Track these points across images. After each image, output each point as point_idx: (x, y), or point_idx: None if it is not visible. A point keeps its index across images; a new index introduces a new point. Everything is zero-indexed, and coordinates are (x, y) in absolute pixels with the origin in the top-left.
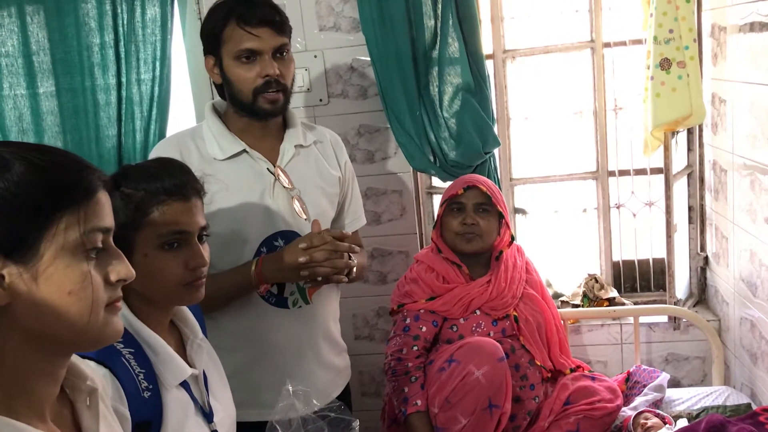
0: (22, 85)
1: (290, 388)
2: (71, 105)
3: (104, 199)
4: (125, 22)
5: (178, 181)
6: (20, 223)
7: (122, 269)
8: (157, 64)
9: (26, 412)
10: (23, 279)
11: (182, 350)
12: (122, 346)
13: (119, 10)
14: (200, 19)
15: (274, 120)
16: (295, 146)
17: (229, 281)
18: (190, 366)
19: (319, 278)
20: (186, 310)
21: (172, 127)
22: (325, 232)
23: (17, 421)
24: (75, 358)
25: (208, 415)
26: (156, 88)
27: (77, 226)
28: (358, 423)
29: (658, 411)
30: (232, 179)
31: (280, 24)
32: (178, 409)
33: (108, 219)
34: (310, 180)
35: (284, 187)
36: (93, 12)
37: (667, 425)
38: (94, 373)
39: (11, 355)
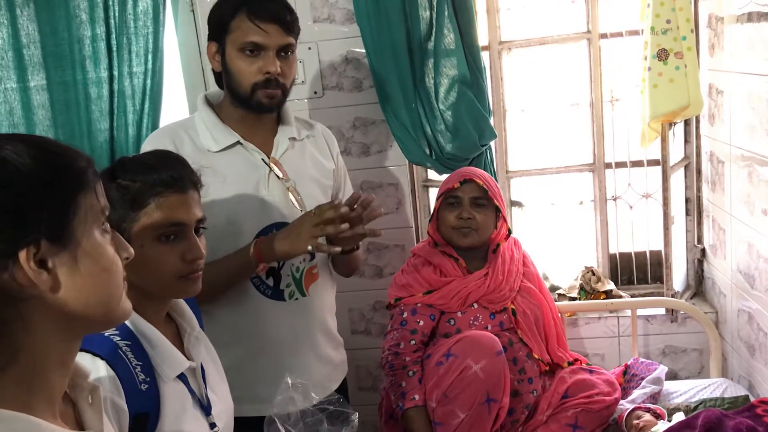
0: (12, 78)
1: (289, 381)
2: (63, 99)
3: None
4: (117, 14)
5: (175, 173)
6: (54, 206)
7: (127, 247)
8: (150, 56)
9: (43, 407)
10: (65, 262)
11: (179, 343)
12: (119, 338)
13: (110, 2)
14: (192, 11)
15: (269, 113)
16: (289, 139)
17: (227, 264)
18: (188, 359)
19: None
20: (183, 303)
21: (165, 121)
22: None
23: (36, 418)
24: None
25: (205, 408)
26: (148, 81)
27: (97, 205)
28: (357, 416)
29: (649, 405)
30: (226, 171)
31: (290, 23)
32: (175, 401)
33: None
34: (305, 172)
35: (279, 178)
36: (84, 4)
37: (661, 420)
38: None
39: (36, 346)
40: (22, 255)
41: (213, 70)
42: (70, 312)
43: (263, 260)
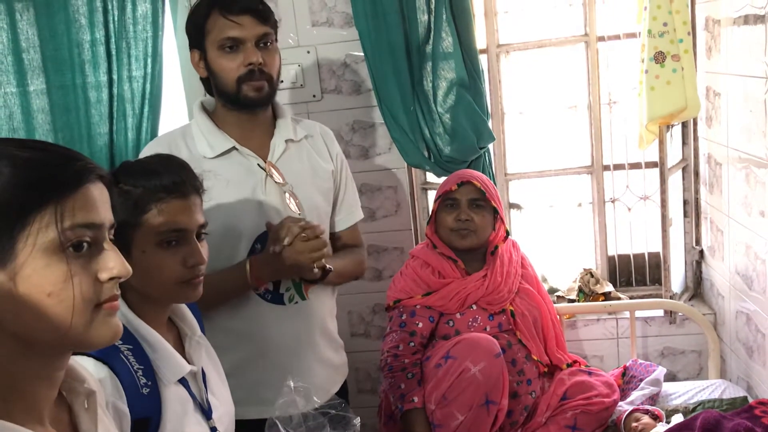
0: (12, 82)
1: (291, 384)
2: (62, 103)
3: (95, 192)
4: (116, 18)
5: (177, 178)
6: None
7: (115, 267)
8: (149, 60)
9: (23, 416)
10: (1, 280)
11: (180, 347)
12: (120, 342)
13: (110, 7)
14: None
15: (264, 114)
16: (286, 141)
17: (225, 283)
18: (189, 363)
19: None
20: (184, 308)
21: (164, 125)
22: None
23: (14, 424)
24: (72, 360)
25: (207, 412)
26: (148, 85)
27: (55, 223)
28: (359, 420)
29: (647, 407)
30: (223, 176)
31: (262, 13)
32: (177, 405)
33: (99, 214)
34: (303, 175)
35: (276, 182)
36: (83, 8)
37: (660, 422)
38: (90, 374)
39: (3, 358)
40: None
41: (200, 78)
42: (14, 331)
43: (264, 283)
